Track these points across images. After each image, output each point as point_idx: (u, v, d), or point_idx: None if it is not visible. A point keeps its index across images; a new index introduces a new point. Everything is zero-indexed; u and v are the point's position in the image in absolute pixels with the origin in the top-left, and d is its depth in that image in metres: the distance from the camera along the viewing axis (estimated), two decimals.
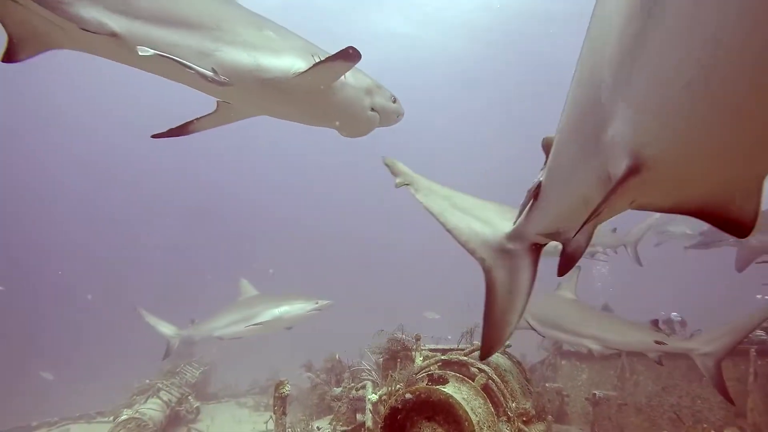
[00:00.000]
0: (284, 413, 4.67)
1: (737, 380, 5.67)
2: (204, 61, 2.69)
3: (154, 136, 3.46)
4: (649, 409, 6.24)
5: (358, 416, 5.24)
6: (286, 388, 4.65)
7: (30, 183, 39.75)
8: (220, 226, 44.69)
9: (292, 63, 2.95)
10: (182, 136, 3.49)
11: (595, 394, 6.12)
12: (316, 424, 5.81)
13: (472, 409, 3.34)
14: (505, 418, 3.73)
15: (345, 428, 4.93)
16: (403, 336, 4.28)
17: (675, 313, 7.52)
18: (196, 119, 3.44)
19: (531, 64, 29.75)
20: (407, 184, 2.36)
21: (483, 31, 29.01)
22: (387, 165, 2.44)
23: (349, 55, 2.80)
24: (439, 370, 3.87)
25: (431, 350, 4.47)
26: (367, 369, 6.21)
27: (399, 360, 4.09)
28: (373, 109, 3.42)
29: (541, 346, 8.06)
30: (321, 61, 2.91)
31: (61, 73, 32.89)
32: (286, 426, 4.76)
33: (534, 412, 4.40)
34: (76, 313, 30.76)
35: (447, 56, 31.88)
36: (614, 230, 9.09)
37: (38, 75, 32.38)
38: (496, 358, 4.37)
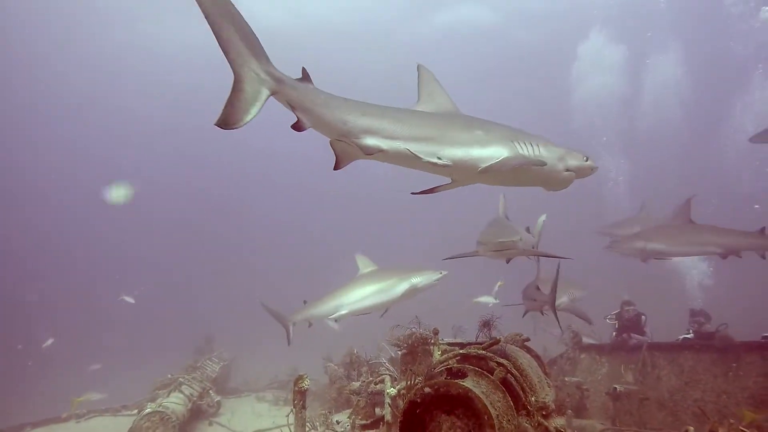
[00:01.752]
0: (303, 407, 4.72)
1: (765, 375, 5.54)
2: (433, 156, 3.90)
3: (413, 194, 4.73)
4: (672, 403, 6.12)
5: (377, 410, 5.27)
6: (306, 383, 4.69)
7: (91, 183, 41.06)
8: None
9: (496, 152, 3.99)
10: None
11: (615, 388, 6.04)
12: (335, 418, 5.86)
13: (491, 403, 3.32)
14: (524, 412, 3.70)
15: (364, 422, 4.96)
16: (421, 330, 4.28)
17: None
18: (440, 186, 4.53)
19: None
20: None
21: None
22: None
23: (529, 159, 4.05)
24: (458, 364, 3.86)
25: (449, 344, 4.46)
26: (385, 363, 6.24)
27: (417, 354, 4.09)
28: (568, 170, 4.29)
29: (561, 340, 7.99)
30: (507, 158, 3.94)
31: (60, 74, 33.70)
32: (306, 420, 4.81)
33: (554, 406, 4.36)
34: (102, 308, 31.54)
35: None
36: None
37: (37, 75, 33.25)
38: (515, 352, 4.34)
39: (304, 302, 9.23)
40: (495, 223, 6.67)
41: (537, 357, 4.70)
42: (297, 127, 3.63)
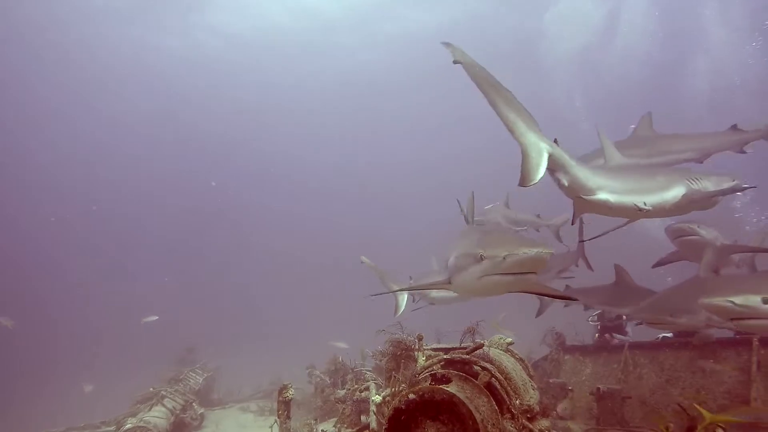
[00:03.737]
0: (288, 417, 4.67)
1: (740, 370, 5.68)
2: (641, 203, 4.58)
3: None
4: (654, 401, 6.23)
5: (363, 418, 5.23)
6: (290, 392, 4.65)
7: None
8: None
9: (677, 192, 4.76)
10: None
11: (599, 388, 6.11)
12: (320, 427, 5.80)
13: (475, 408, 3.33)
14: (509, 416, 3.72)
15: (350, 430, 4.92)
16: (404, 335, 4.28)
17: None
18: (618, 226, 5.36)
19: None
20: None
21: None
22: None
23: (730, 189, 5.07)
24: (442, 369, 3.86)
25: (434, 349, 4.47)
26: (369, 371, 6.20)
27: (401, 360, 4.09)
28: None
29: (544, 342, 8.06)
30: (685, 195, 4.74)
31: (59, 74, 32.97)
32: (291, 429, 4.76)
33: (538, 409, 4.40)
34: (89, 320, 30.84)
35: None
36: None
37: (37, 75, 32.47)
38: (499, 355, 4.37)
39: (410, 278, 8.20)
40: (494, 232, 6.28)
41: (521, 360, 4.74)
42: (561, 187, 4.38)
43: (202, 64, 33.63)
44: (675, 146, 7.12)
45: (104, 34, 29.87)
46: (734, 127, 6.94)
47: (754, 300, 3.64)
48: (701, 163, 6.94)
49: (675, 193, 4.81)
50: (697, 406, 3.85)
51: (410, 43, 31.41)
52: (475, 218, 8.93)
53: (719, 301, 3.81)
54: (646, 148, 7.02)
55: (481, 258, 3.19)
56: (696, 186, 4.88)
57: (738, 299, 3.68)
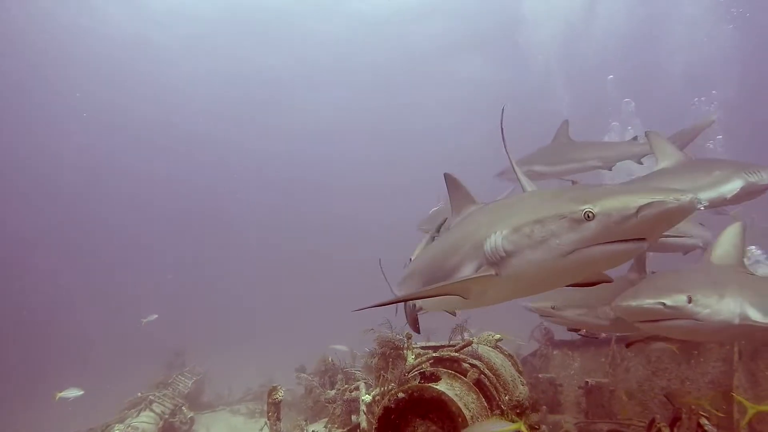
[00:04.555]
0: (278, 419, 4.64)
1: (723, 360, 5.79)
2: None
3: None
4: (641, 393, 6.33)
5: (353, 418, 5.23)
6: (280, 394, 4.62)
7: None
8: None
9: (736, 184, 4.83)
10: None
11: (587, 382, 6.19)
12: (311, 428, 5.78)
13: (465, 405, 3.35)
14: (498, 412, 3.75)
15: (340, 430, 4.92)
16: (393, 334, 4.28)
17: None
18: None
19: None
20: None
21: None
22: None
23: None
24: (431, 367, 3.88)
25: (423, 348, 4.47)
26: (359, 370, 6.18)
27: (390, 359, 4.09)
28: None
29: (532, 338, 8.12)
30: (743, 187, 4.82)
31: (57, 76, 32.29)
32: (281, 431, 4.73)
33: (527, 404, 4.43)
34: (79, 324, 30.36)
35: None
36: None
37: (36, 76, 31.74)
38: (488, 352, 4.39)
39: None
40: None
41: (510, 356, 4.77)
42: None
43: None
44: (586, 154, 7.44)
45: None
46: (635, 139, 7.29)
47: (681, 300, 3.20)
48: (609, 170, 7.30)
49: (733, 185, 4.95)
50: (740, 398, 3.90)
51: (398, 24, 31.03)
52: (423, 225, 8.66)
53: (648, 302, 3.28)
54: (563, 155, 7.45)
55: (588, 217, 2.20)
56: (752, 178, 5.04)
57: (668, 300, 3.23)
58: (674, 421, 3.84)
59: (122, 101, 35.86)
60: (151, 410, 8.42)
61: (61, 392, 8.68)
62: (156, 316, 15.35)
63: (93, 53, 31.20)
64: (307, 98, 38.84)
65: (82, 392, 8.99)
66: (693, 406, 3.75)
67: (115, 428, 7.32)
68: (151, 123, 38.32)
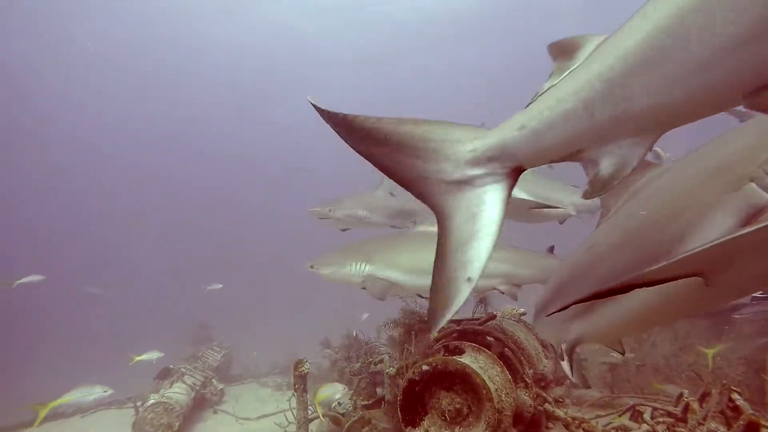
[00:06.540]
0: (305, 390, 4.76)
1: (754, 337, 5.64)
2: None
3: None
4: (668, 369, 6.24)
5: (378, 390, 5.32)
6: (306, 366, 4.72)
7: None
8: None
9: None
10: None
11: (613, 356, 6.13)
12: (336, 397, 5.91)
13: (489, 378, 3.36)
14: (522, 385, 3.75)
15: (365, 402, 5.02)
16: (418, 308, 4.30)
17: None
18: None
19: None
20: None
21: None
22: None
23: None
24: (455, 340, 3.89)
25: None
26: (384, 345, 6.26)
27: (414, 333, 4.12)
28: None
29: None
30: None
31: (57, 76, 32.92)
32: (308, 402, 4.86)
33: (552, 377, 4.43)
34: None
35: None
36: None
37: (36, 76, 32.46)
38: (512, 326, 4.38)
39: None
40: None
41: (533, 329, 4.75)
42: None
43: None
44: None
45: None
46: None
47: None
48: None
49: None
50: None
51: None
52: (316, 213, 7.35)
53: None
54: None
55: None
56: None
57: None
58: (703, 396, 3.78)
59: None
60: (183, 382, 8.75)
61: (139, 356, 8.76)
62: (221, 285, 15.21)
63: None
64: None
65: (162, 354, 9.00)
66: (724, 381, 3.67)
67: (151, 398, 7.65)
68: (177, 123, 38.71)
